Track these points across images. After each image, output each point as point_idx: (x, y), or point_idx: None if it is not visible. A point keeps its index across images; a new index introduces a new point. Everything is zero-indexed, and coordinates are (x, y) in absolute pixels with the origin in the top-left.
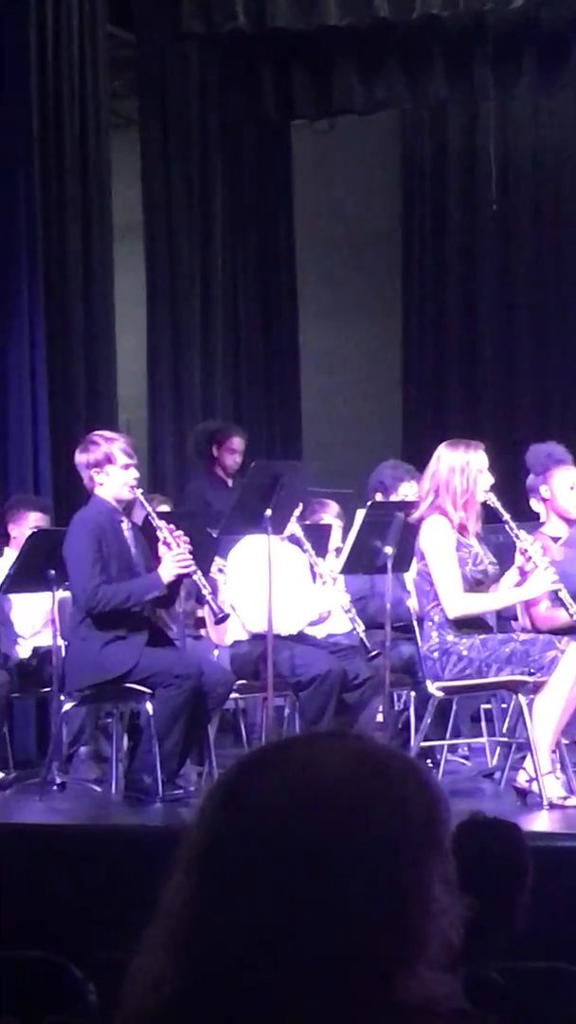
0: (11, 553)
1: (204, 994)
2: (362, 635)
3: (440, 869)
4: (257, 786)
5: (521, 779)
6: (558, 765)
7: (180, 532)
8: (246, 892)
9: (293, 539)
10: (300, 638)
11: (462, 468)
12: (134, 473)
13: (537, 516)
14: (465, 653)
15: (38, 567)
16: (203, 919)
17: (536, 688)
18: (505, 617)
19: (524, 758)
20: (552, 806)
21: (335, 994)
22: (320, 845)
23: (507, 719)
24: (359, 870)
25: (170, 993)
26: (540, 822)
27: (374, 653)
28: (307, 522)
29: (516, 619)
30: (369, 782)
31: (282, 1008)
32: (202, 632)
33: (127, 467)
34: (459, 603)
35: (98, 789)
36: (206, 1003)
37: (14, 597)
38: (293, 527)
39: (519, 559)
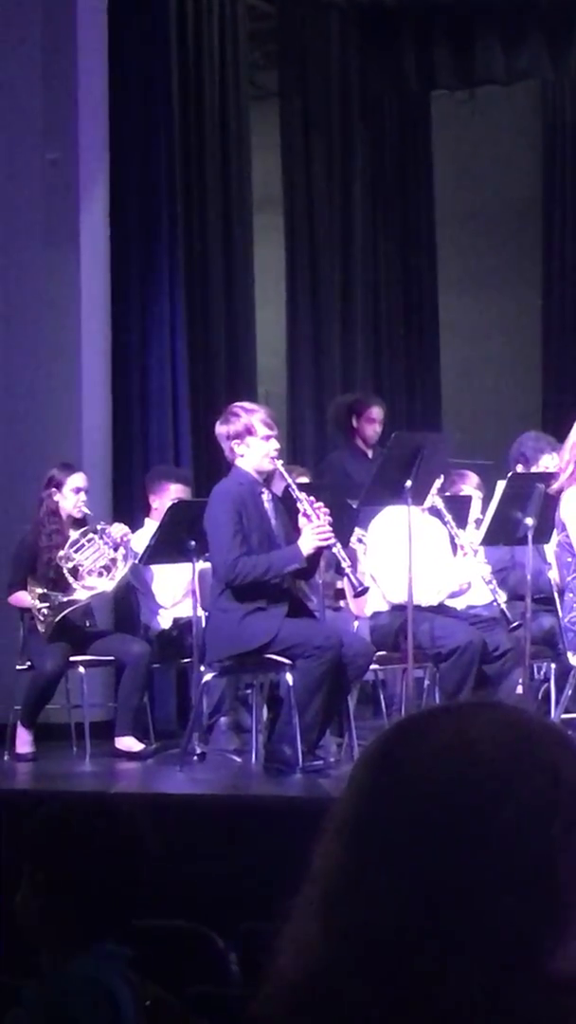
0: (152, 524)
1: (353, 964)
2: (503, 606)
3: None
4: (409, 755)
5: None
6: None
7: (320, 504)
8: (398, 862)
9: (433, 510)
10: (440, 609)
11: None
12: (274, 444)
13: None
14: None
15: (179, 538)
16: (354, 888)
17: None
18: None
19: None
20: None
21: (485, 966)
22: (473, 814)
23: None
24: (511, 838)
25: (318, 962)
26: None
27: (515, 625)
28: (447, 493)
29: None
30: (519, 749)
31: (432, 979)
32: (342, 603)
33: (267, 438)
34: None
35: (238, 760)
36: (354, 973)
37: (155, 568)
38: (434, 498)
39: None
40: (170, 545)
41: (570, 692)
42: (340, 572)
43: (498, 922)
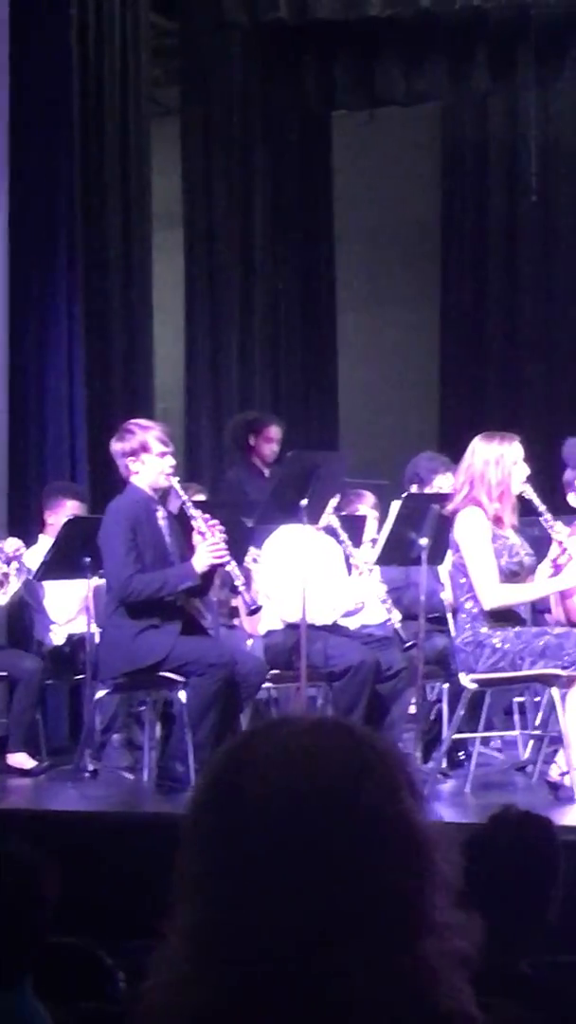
0: (47, 540)
1: (213, 975)
2: (398, 626)
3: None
4: (247, 770)
5: (553, 773)
6: None
7: (215, 521)
8: (237, 872)
9: (328, 529)
10: (334, 629)
11: (497, 460)
12: (170, 461)
13: (574, 510)
14: (499, 646)
15: (73, 554)
16: (202, 898)
17: (569, 682)
18: (539, 610)
19: (556, 752)
20: None
21: (337, 975)
22: (308, 825)
23: (540, 712)
24: (349, 847)
25: (181, 975)
26: (572, 816)
27: (409, 644)
28: (343, 513)
29: (550, 612)
30: (356, 763)
31: (287, 982)
32: (236, 621)
33: (163, 455)
34: (495, 594)
35: (130, 777)
36: (214, 983)
37: (48, 584)
38: (329, 517)
39: (554, 550)
40: (65, 561)
41: (462, 712)
42: (234, 590)
43: (342, 927)
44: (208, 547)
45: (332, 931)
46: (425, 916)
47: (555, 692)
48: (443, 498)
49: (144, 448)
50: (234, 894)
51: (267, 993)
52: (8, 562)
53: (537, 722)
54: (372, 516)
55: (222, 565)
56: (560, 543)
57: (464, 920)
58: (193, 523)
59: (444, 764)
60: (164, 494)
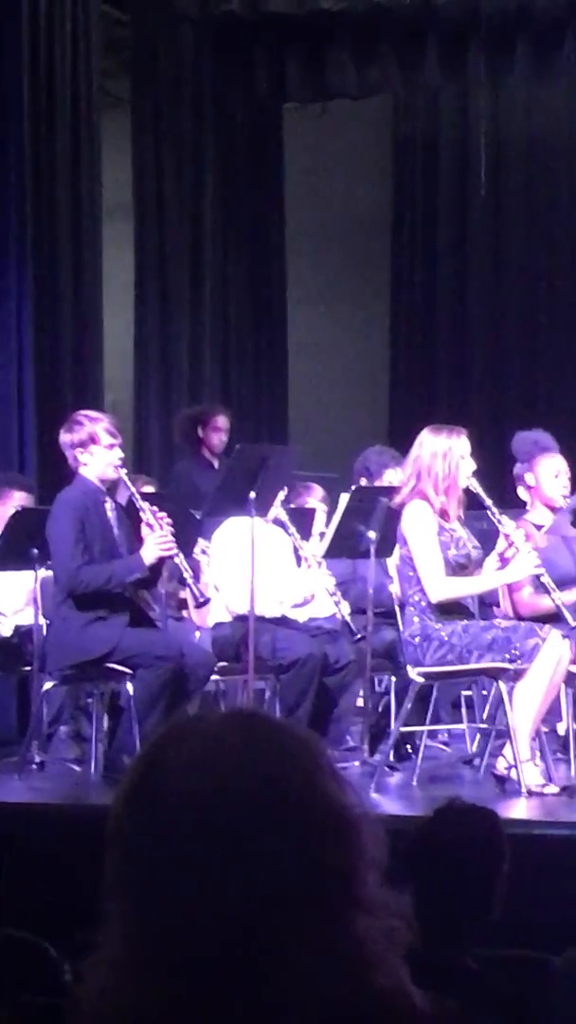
0: None
1: (155, 984)
2: (347, 618)
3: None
4: (164, 766)
5: (500, 766)
6: (537, 753)
7: (163, 514)
8: (157, 866)
9: (277, 522)
10: (282, 621)
11: (444, 453)
12: (118, 453)
13: (523, 504)
14: (446, 639)
15: (21, 546)
16: (129, 893)
17: (517, 675)
18: (487, 604)
19: (503, 745)
20: (530, 793)
21: (256, 969)
22: (225, 820)
23: (487, 706)
24: (265, 843)
25: (114, 966)
26: (518, 809)
27: (358, 637)
28: (292, 505)
29: (498, 606)
30: (272, 758)
31: (216, 976)
32: (184, 613)
33: (111, 447)
34: (441, 587)
35: (77, 769)
36: (158, 994)
37: None
38: (277, 510)
39: (501, 544)
40: (12, 552)
41: (410, 705)
42: (182, 582)
43: (275, 912)
44: (156, 539)
45: (265, 917)
46: (356, 895)
47: (502, 686)
48: (392, 491)
49: (93, 439)
50: (163, 893)
51: (204, 987)
52: None
53: (484, 716)
54: (321, 509)
55: (170, 557)
56: (507, 536)
57: (394, 899)
58: (141, 515)
59: (391, 757)
60: (112, 486)
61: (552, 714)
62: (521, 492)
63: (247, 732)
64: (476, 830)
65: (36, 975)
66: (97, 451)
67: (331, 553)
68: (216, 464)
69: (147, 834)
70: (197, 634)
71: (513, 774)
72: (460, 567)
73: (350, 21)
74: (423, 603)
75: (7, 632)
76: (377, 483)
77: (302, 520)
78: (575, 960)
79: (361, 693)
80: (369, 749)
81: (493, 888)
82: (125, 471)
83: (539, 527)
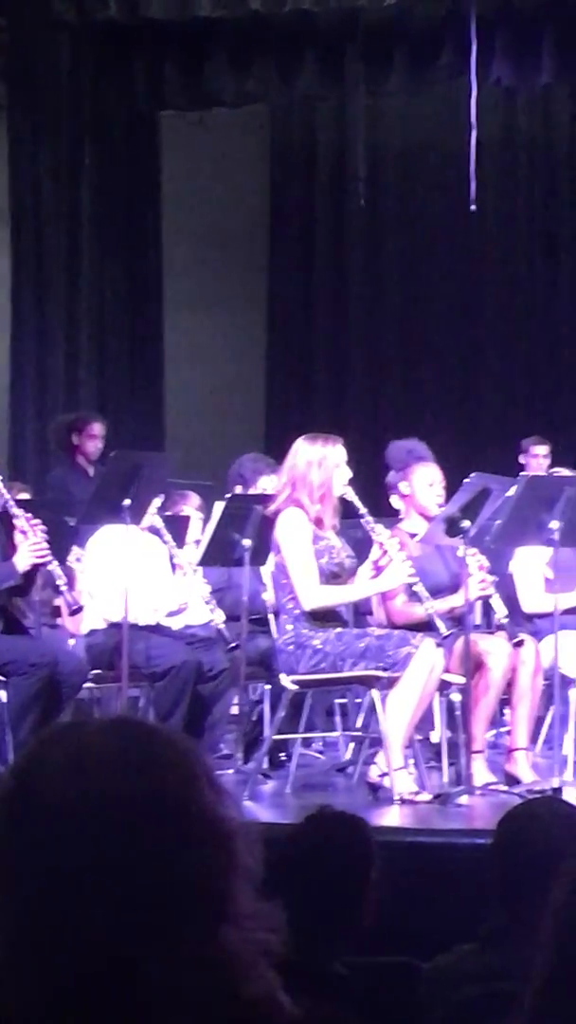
0: None
1: (29, 990)
2: (221, 626)
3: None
4: (36, 772)
5: (373, 774)
6: (410, 760)
7: (37, 521)
8: (31, 871)
9: (152, 529)
10: (156, 629)
11: (319, 462)
12: None
13: (398, 513)
14: (320, 647)
15: None
16: (14, 923)
17: (390, 683)
18: (361, 612)
19: (377, 753)
20: (403, 801)
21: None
22: (95, 827)
23: (361, 714)
24: (132, 850)
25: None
26: (391, 817)
27: (232, 645)
28: (167, 513)
29: (372, 614)
30: (141, 765)
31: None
32: (58, 621)
33: None
34: (314, 595)
35: None
36: (31, 1001)
37: None
38: (152, 518)
39: (375, 552)
40: None
41: (283, 713)
42: (56, 590)
43: (147, 921)
44: (30, 546)
45: (136, 926)
46: (228, 906)
47: (375, 694)
48: (267, 499)
49: None
50: (36, 900)
51: (73, 995)
52: None
53: (358, 723)
54: (196, 517)
55: (44, 564)
56: (381, 545)
57: (267, 910)
58: (15, 522)
59: (265, 765)
60: None
61: (425, 722)
62: (395, 501)
63: (124, 739)
64: (345, 837)
65: None
66: None
67: (206, 561)
68: (91, 471)
69: (20, 841)
70: (71, 641)
71: (386, 782)
72: (333, 576)
73: (228, 29)
74: (297, 611)
75: None
76: (252, 491)
77: (177, 528)
78: (444, 966)
79: (235, 701)
80: (243, 757)
81: (363, 895)
82: (0, 478)
83: (413, 536)
